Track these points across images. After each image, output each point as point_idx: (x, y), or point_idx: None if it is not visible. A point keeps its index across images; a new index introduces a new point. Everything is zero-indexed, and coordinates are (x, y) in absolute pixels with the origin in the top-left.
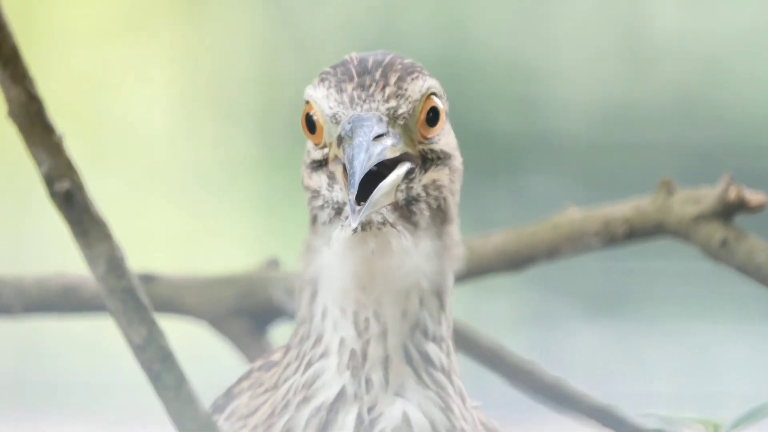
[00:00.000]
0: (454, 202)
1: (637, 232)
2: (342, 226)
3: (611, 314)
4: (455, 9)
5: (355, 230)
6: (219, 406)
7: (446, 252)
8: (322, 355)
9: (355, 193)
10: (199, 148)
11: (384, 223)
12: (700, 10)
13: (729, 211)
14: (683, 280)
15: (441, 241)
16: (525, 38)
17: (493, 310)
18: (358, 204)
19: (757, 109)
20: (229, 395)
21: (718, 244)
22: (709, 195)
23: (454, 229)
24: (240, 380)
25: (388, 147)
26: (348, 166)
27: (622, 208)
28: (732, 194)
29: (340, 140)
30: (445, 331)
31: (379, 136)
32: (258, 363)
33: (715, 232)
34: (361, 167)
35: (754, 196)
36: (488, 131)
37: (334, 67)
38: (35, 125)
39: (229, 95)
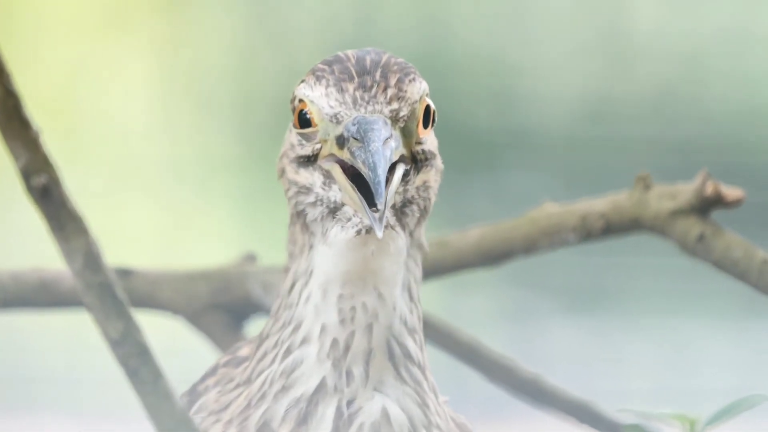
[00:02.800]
0: (433, 202)
1: (614, 227)
2: (343, 227)
3: (588, 309)
4: (434, 4)
5: (359, 232)
6: (185, 404)
7: (420, 247)
8: (302, 342)
9: (384, 201)
10: (176, 143)
11: (386, 226)
12: (679, 7)
13: (706, 206)
14: (660, 275)
15: (415, 237)
16: (504, 34)
17: (471, 306)
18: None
19: (734, 105)
20: (194, 392)
21: (695, 239)
22: (685, 190)
23: (424, 224)
24: (205, 377)
25: (394, 150)
26: (370, 174)
27: (598, 203)
28: (709, 189)
29: (342, 140)
30: (418, 323)
31: (386, 139)
32: (224, 359)
33: (692, 227)
34: (384, 174)
35: (730, 192)
36: (467, 127)
37: (328, 65)
38: (12, 120)
39: (207, 91)
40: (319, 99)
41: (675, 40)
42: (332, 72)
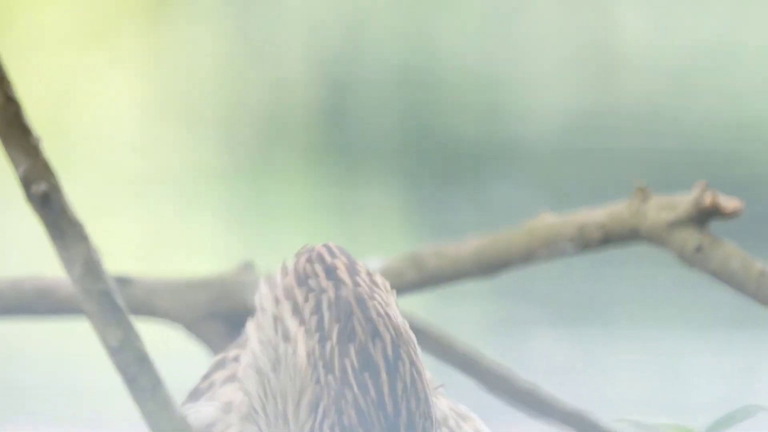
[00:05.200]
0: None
1: (612, 237)
2: None
3: (582, 320)
4: (420, 18)
5: None
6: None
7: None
8: None
9: None
10: (164, 155)
11: None
12: (666, 20)
13: (704, 216)
14: (656, 286)
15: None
16: (491, 47)
17: (465, 316)
18: None
19: (722, 118)
20: (197, 391)
21: (693, 249)
22: (684, 201)
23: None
24: (210, 372)
25: None
26: None
27: (597, 214)
28: (707, 200)
29: None
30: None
31: None
32: (232, 353)
33: (690, 237)
34: None
35: (729, 202)
36: (455, 140)
37: None
38: (13, 127)
39: (196, 104)
40: None
41: (662, 53)
42: None
